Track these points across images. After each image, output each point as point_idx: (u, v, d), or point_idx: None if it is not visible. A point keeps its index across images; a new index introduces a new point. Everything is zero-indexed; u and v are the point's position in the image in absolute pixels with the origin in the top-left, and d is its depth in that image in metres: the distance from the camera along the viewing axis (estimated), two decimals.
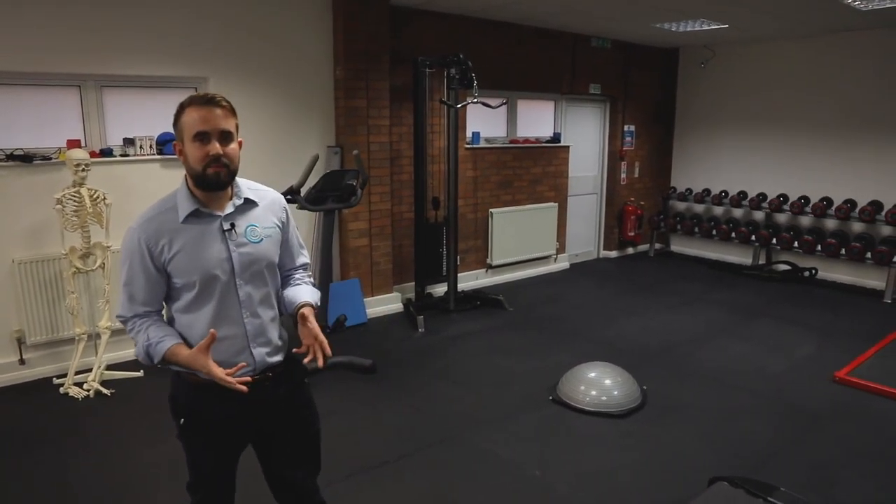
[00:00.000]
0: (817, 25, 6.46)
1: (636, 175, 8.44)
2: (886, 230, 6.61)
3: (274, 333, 1.90)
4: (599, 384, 4.11)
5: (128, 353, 4.66)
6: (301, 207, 3.94)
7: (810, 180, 7.23)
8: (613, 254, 8.44)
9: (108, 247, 4.20)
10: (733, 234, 7.65)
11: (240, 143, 1.81)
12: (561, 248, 7.67)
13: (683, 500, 2.96)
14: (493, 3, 5.50)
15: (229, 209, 1.83)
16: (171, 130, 4.99)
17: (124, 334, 4.56)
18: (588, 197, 8.19)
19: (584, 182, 8.07)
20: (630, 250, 8.64)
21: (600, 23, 6.54)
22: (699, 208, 8.33)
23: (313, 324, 1.81)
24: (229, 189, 1.84)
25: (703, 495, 2.74)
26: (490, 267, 6.94)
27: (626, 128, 8.11)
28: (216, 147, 1.72)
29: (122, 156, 4.55)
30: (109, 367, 4.36)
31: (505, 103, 6.61)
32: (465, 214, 6.49)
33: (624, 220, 8.35)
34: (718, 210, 8.10)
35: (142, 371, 4.39)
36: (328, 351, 1.79)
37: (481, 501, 3.03)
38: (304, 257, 2.07)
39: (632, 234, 8.36)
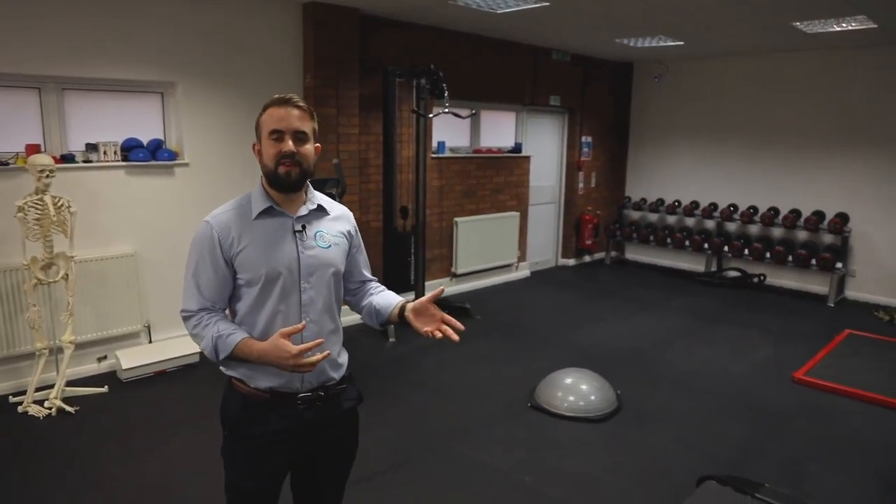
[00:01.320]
0: (766, 45, 6.79)
1: (593, 185, 8.64)
2: (828, 238, 6.98)
3: (334, 348, 1.86)
4: (576, 390, 4.18)
5: (90, 367, 4.47)
6: None
7: (759, 191, 7.57)
8: (571, 262, 8.61)
9: (73, 257, 4.02)
10: (687, 243, 7.92)
11: (317, 149, 1.81)
12: (522, 257, 7.77)
13: (672, 500, 3.06)
14: (460, 15, 5.55)
15: (302, 212, 1.82)
16: (137, 136, 4.85)
17: (88, 348, 4.40)
18: (547, 206, 8.33)
19: (544, 191, 8.21)
20: (587, 258, 8.83)
21: (562, 37, 6.69)
22: (653, 217, 8.60)
23: (429, 305, 1.82)
24: (303, 193, 1.83)
25: (695, 494, 2.82)
26: (455, 275, 6.97)
27: (583, 139, 8.31)
28: (289, 145, 1.72)
29: (84, 161, 4.36)
30: (71, 384, 4.15)
31: (474, 114, 6.67)
32: (430, 223, 6.50)
33: (581, 228, 8.53)
34: (671, 219, 8.37)
35: (106, 387, 4.21)
36: (459, 325, 1.80)
37: None
38: (367, 273, 2.06)
39: (589, 242, 8.55)
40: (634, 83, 8.72)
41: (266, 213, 1.78)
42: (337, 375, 1.88)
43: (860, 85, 6.73)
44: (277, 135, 1.72)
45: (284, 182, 1.75)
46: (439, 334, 1.77)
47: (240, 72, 4.92)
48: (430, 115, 5.54)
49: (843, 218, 6.79)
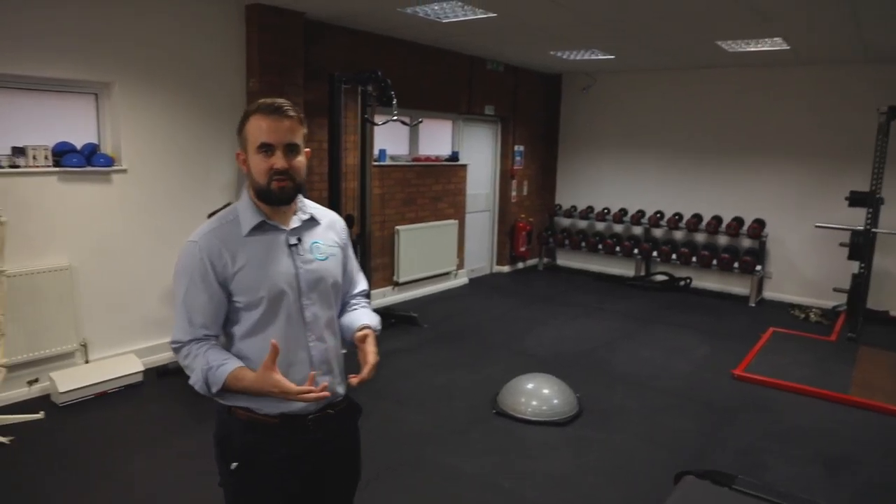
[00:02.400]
0: (690, 61, 7.20)
1: (525, 193, 8.83)
2: (747, 242, 7.47)
3: (337, 364, 1.79)
4: (539, 394, 4.24)
5: (20, 392, 4.10)
6: None
7: (683, 198, 7.99)
8: (506, 269, 8.75)
9: (3, 271, 3.68)
10: (618, 248, 8.23)
11: (307, 154, 1.69)
12: (461, 265, 7.83)
13: (646, 496, 3.16)
14: (405, 23, 5.54)
15: (295, 223, 1.71)
16: (69, 140, 4.55)
17: (17, 371, 4.03)
18: (482, 214, 8.43)
19: (479, 199, 8.31)
20: (520, 265, 9.00)
21: (500, 47, 6.81)
22: (583, 224, 8.88)
23: (369, 345, 1.70)
24: (294, 203, 1.71)
25: (677, 490, 2.92)
26: (397, 284, 6.91)
27: (516, 147, 8.48)
28: (281, 161, 1.60)
29: (11, 167, 4.01)
30: (2, 411, 3.79)
31: (421, 122, 6.66)
32: (372, 232, 6.43)
33: (515, 236, 8.69)
34: (601, 226, 8.68)
35: (42, 412, 3.87)
36: (365, 375, 1.66)
37: None
38: (363, 283, 1.96)
39: (523, 249, 8.72)
40: (563, 93, 9.00)
41: (258, 228, 1.65)
42: (342, 392, 1.82)
43: (774, 100, 7.25)
44: (267, 149, 1.60)
45: (278, 198, 1.63)
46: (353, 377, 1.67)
47: (181, 74, 4.69)
48: (380, 123, 5.49)
49: (760, 223, 7.28)
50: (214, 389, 1.60)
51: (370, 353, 1.69)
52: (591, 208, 8.71)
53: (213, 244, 1.61)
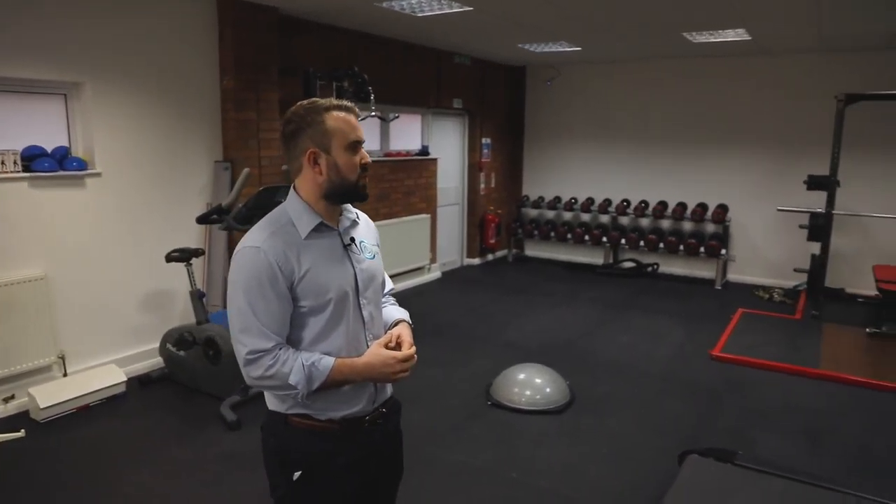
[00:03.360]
0: (656, 52, 7.37)
1: (493, 185, 8.89)
2: (711, 228, 7.71)
3: None
4: (532, 384, 4.30)
5: None
6: (227, 228, 3.62)
7: (649, 186, 8.19)
8: (476, 261, 8.80)
9: None
10: (586, 237, 8.38)
11: None
12: (434, 258, 7.84)
13: (655, 478, 3.26)
14: (380, 18, 5.50)
15: (345, 223, 1.71)
16: (38, 143, 4.32)
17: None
18: (452, 207, 8.45)
19: (449, 193, 8.33)
20: (490, 257, 9.07)
21: (469, 41, 6.83)
22: (551, 214, 9.00)
23: (405, 330, 1.75)
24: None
25: (684, 468, 3.03)
26: None
27: (483, 140, 8.53)
28: (367, 156, 1.64)
29: None
30: None
31: (397, 117, 6.62)
32: None
33: (485, 228, 8.74)
34: (568, 215, 8.81)
35: (23, 430, 3.71)
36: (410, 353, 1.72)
37: None
38: (390, 282, 1.96)
39: (492, 241, 8.79)
40: (528, 85, 9.09)
41: (316, 230, 1.63)
42: (391, 391, 1.84)
43: (736, 89, 7.50)
44: (356, 146, 1.62)
45: (364, 194, 1.67)
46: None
47: (154, 72, 4.53)
48: (361, 119, 5.42)
49: (723, 209, 7.53)
50: (316, 384, 1.57)
51: (405, 334, 1.74)
52: (558, 198, 8.83)
53: (278, 248, 1.56)
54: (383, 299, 1.90)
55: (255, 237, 1.60)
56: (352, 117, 1.62)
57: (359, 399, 1.68)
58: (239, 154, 5.00)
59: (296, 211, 1.63)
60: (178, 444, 3.64)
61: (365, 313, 1.70)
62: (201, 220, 3.71)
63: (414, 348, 1.70)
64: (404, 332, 1.73)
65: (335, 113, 1.60)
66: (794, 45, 6.59)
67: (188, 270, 4.20)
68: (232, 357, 3.84)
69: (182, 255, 4.08)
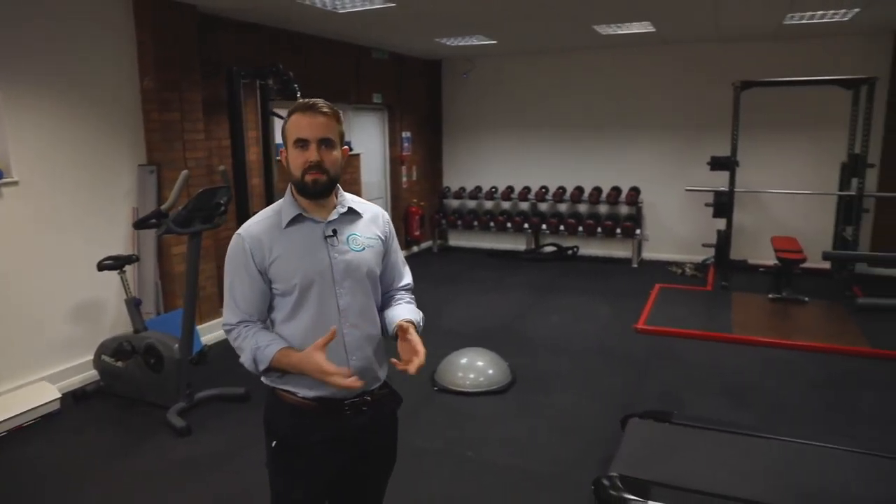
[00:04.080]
0: (568, 44, 7.70)
1: (414, 178, 9.01)
2: (625, 210, 8.17)
3: (376, 353, 1.86)
4: (475, 367, 4.47)
5: None
6: (167, 232, 3.55)
7: (565, 173, 8.54)
8: (403, 253, 8.84)
9: None
10: (509, 225, 8.65)
11: (344, 152, 1.78)
12: None
13: (601, 442, 3.50)
14: (301, 14, 5.47)
15: (333, 216, 1.79)
16: None
17: None
18: (376, 201, 8.42)
19: (373, 187, 8.38)
20: (415, 249, 9.19)
21: (388, 35, 6.90)
22: (472, 204, 9.21)
23: (413, 336, 1.77)
24: (334, 197, 1.81)
25: (628, 430, 3.30)
26: None
27: (403, 134, 8.62)
28: (314, 154, 1.70)
29: None
30: None
31: None
32: None
33: (409, 220, 8.86)
34: (490, 204, 9.05)
35: None
36: (422, 361, 1.74)
37: (442, 492, 3.17)
38: (408, 277, 2.02)
39: (417, 233, 8.92)
40: (444, 78, 9.25)
41: (296, 220, 1.77)
42: (382, 377, 1.91)
43: (643, 78, 7.95)
44: (303, 143, 1.71)
45: (312, 191, 1.74)
46: (401, 367, 1.73)
47: (70, 74, 4.33)
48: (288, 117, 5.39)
49: (636, 191, 7.99)
50: (261, 367, 1.74)
51: (417, 342, 1.76)
52: (479, 188, 9.06)
53: (254, 235, 1.76)
54: (398, 295, 1.97)
55: (245, 224, 1.81)
56: (308, 117, 1.70)
57: (326, 384, 1.71)
58: (164, 157, 4.87)
59: (284, 202, 1.80)
60: (129, 455, 3.55)
61: (341, 302, 1.77)
62: (139, 224, 3.62)
63: (347, 372, 1.67)
64: (416, 341, 1.75)
65: (295, 114, 1.73)
66: (694, 35, 7.07)
67: (122, 278, 4.08)
68: (174, 363, 3.81)
69: (115, 263, 3.95)
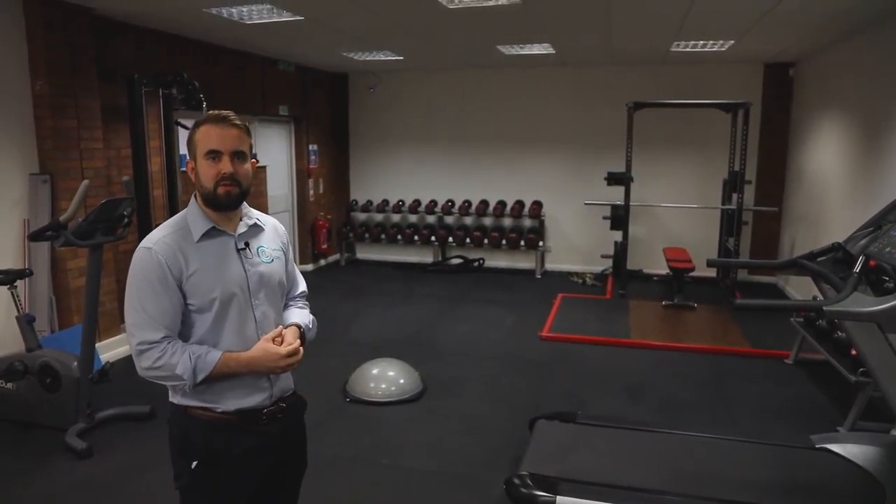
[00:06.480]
0: (472, 62, 7.96)
1: (321, 191, 8.96)
2: (529, 222, 8.51)
3: None
4: (386, 377, 4.53)
5: None
6: (65, 244, 3.38)
7: (471, 186, 8.78)
8: (310, 267, 8.81)
9: None
10: (416, 237, 8.77)
11: (253, 164, 1.79)
12: None
13: (510, 443, 3.65)
14: (206, 23, 5.36)
15: (242, 228, 1.81)
16: None
17: None
18: (282, 215, 8.38)
19: (279, 200, 8.26)
20: (322, 262, 9.12)
21: (293, 47, 6.87)
22: (379, 217, 9.26)
23: (288, 336, 1.83)
24: (239, 209, 1.82)
25: (535, 431, 3.46)
26: None
27: (310, 146, 8.57)
28: (227, 165, 1.71)
29: None
30: None
31: None
32: None
33: (316, 233, 8.79)
34: (397, 217, 9.13)
35: None
36: (290, 351, 1.80)
37: (358, 498, 3.21)
38: (303, 285, 2.06)
39: (324, 246, 8.87)
40: (350, 92, 9.28)
41: (208, 234, 1.76)
42: (292, 386, 1.97)
43: (544, 97, 8.34)
44: (215, 155, 1.71)
45: (224, 203, 1.74)
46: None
47: None
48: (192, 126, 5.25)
49: (538, 204, 8.34)
50: (200, 377, 1.68)
51: (288, 333, 1.84)
52: (386, 201, 9.13)
53: (168, 249, 1.70)
54: (291, 302, 2.01)
55: (151, 238, 1.73)
56: (219, 128, 1.71)
57: (252, 395, 1.79)
58: (58, 165, 4.62)
59: (192, 215, 1.76)
60: (25, 481, 3.34)
61: (258, 313, 1.80)
62: (35, 236, 3.43)
63: (298, 342, 1.81)
64: (288, 333, 1.84)
65: (204, 125, 1.74)
66: (590, 58, 7.51)
67: (13, 294, 3.83)
68: (73, 382, 3.62)
69: (6, 278, 3.71)
